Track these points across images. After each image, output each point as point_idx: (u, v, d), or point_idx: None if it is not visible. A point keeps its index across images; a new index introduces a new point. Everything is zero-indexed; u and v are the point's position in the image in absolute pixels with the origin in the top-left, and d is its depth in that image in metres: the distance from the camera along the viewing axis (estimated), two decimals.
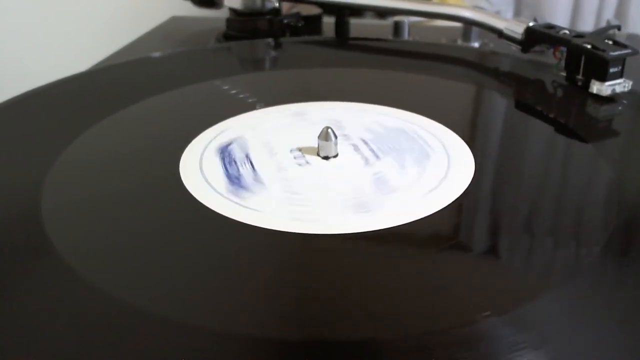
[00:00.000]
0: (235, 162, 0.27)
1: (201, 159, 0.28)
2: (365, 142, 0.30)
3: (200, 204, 0.24)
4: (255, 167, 0.27)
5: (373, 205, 0.24)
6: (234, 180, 0.26)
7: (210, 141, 0.30)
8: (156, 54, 0.44)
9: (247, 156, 0.28)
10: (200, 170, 0.27)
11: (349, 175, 0.26)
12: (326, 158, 0.28)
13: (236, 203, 0.24)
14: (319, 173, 0.27)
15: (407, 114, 0.33)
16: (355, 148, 0.29)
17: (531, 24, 0.40)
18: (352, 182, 0.26)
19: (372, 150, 0.29)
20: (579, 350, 0.17)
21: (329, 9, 0.54)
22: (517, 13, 1.10)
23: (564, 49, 0.37)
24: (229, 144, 0.29)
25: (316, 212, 0.23)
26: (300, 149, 0.29)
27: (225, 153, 0.28)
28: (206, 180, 0.26)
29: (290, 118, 0.33)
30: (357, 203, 0.24)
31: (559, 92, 0.37)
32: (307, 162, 0.28)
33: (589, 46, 0.35)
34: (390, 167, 0.27)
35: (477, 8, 0.46)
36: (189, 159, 0.28)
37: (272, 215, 0.23)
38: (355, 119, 0.33)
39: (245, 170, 0.27)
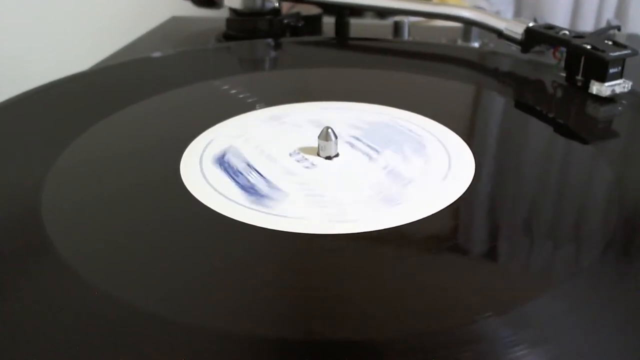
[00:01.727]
0: (241, 172, 0.27)
1: (201, 159, 0.28)
2: (358, 139, 0.30)
3: (201, 203, 0.24)
4: (264, 174, 0.26)
5: (401, 198, 0.24)
6: (250, 190, 0.25)
7: (210, 142, 0.30)
8: (156, 54, 0.44)
9: (249, 165, 0.27)
10: (201, 171, 0.27)
11: (360, 172, 0.27)
12: (328, 158, 0.28)
13: (261, 212, 0.23)
14: (329, 173, 0.27)
15: (406, 114, 0.33)
16: (351, 145, 0.29)
17: (531, 24, 0.40)
18: (367, 179, 0.26)
19: (369, 146, 0.29)
20: (579, 350, 0.17)
21: (329, 9, 0.54)
22: (517, 13, 1.11)
23: (563, 49, 0.37)
24: (224, 155, 0.28)
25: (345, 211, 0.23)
26: (300, 150, 0.29)
27: (224, 164, 0.27)
28: (207, 180, 0.26)
29: (269, 122, 0.32)
30: (383, 198, 0.24)
31: (559, 93, 0.37)
32: (313, 164, 0.27)
33: (588, 47, 0.35)
34: (394, 161, 0.27)
35: (477, 8, 0.46)
36: (189, 159, 0.28)
37: (303, 218, 0.23)
38: (339, 117, 0.33)
39: (254, 179, 0.26)
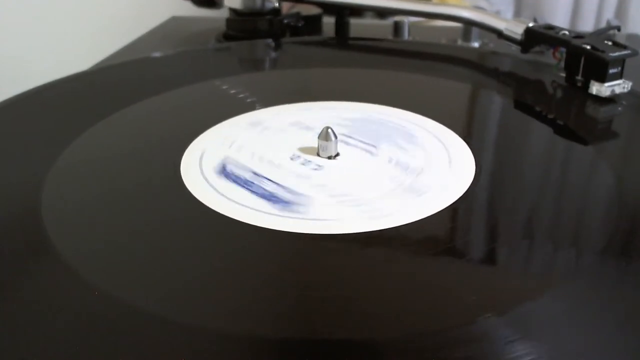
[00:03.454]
0: (252, 182, 0.26)
1: (201, 160, 0.28)
2: (351, 137, 0.30)
3: (201, 203, 0.24)
4: (277, 181, 0.26)
5: (421, 187, 0.25)
6: (272, 199, 0.24)
7: (211, 142, 0.30)
8: (156, 54, 0.44)
9: (256, 173, 0.27)
10: (201, 171, 0.27)
11: (369, 167, 0.27)
12: (329, 158, 0.28)
13: (294, 218, 0.23)
14: (340, 172, 0.27)
15: (407, 114, 0.33)
16: (346, 144, 0.29)
17: (531, 24, 0.40)
18: (380, 174, 0.26)
19: (364, 142, 0.29)
20: (579, 350, 0.17)
21: (329, 9, 0.54)
22: (517, 13, 1.11)
23: (563, 49, 0.37)
24: (224, 166, 0.27)
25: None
26: (300, 151, 0.29)
27: (230, 176, 0.26)
28: (208, 181, 0.26)
29: (252, 129, 0.32)
30: (407, 189, 0.25)
31: (559, 93, 0.37)
32: (319, 165, 0.27)
33: (588, 47, 0.35)
34: (396, 155, 0.27)
35: (477, 8, 0.46)
36: (189, 159, 0.28)
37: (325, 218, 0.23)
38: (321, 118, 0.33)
39: (271, 187, 0.25)
